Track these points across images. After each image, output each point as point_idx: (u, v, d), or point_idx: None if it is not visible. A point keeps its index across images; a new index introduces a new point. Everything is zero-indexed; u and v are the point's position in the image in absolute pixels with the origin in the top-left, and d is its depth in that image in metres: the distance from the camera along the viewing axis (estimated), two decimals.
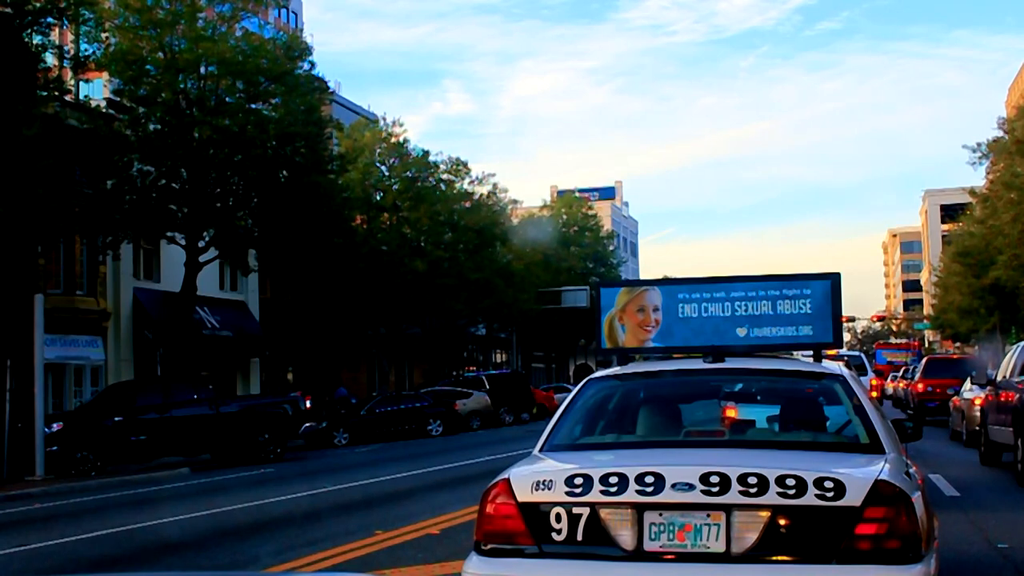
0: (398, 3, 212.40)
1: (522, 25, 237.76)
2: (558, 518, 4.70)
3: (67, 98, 27.63)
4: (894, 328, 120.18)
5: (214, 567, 9.57)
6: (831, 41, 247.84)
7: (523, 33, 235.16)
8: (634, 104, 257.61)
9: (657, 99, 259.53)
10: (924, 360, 34.50)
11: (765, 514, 4.50)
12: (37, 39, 24.33)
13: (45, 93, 25.03)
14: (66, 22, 25.99)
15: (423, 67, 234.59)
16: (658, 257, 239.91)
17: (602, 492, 4.65)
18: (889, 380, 47.97)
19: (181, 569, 9.85)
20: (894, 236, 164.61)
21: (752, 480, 4.54)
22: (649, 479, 4.62)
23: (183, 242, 31.17)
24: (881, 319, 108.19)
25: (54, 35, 26.51)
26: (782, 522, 4.50)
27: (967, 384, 20.84)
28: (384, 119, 49.26)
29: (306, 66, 33.14)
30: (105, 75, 31.63)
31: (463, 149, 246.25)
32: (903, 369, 47.40)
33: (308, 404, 28.48)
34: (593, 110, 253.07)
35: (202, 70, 30.44)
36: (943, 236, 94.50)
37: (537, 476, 4.88)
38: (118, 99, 30.45)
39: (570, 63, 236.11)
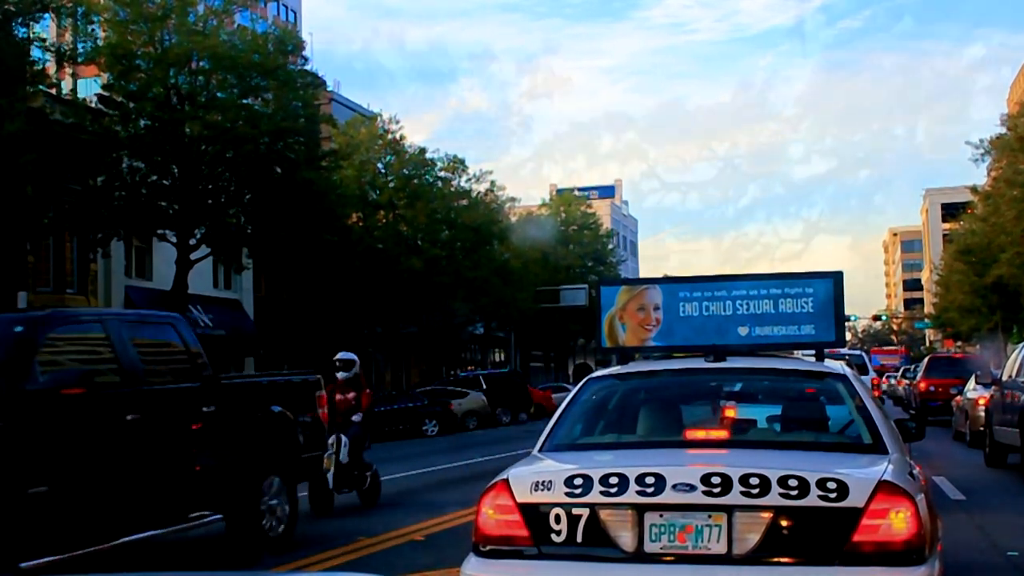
0: (421, 1, 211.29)
1: (543, 23, 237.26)
2: (557, 519, 4.65)
3: (53, 92, 27.18)
4: (895, 327, 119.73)
5: None
6: (851, 39, 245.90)
7: (543, 31, 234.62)
8: (647, 102, 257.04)
9: (671, 97, 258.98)
10: (927, 359, 34.34)
11: (767, 515, 4.46)
12: (21, 32, 23.92)
13: (31, 88, 24.61)
14: (51, 16, 25.55)
15: (442, 65, 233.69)
16: (660, 255, 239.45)
17: (602, 493, 4.61)
18: (884, 379, 49.05)
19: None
20: (895, 235, 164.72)
21: (754, 481, 4.49)
22: (650, 480, 4.59)
23: (174, 239, 30.75)
24: (876, 319, 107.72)
25: (51, 32, 26.10)
26: (784, 523, 4.46)
27: (971, 383, 20.47)
28: (381, 116, 48.88)
29: (300, 62, 32.75)
30: (102, 73, 31.22)
31: (475, 148, 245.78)
32: (895, 371, 48.26)
33: None
34: (606, 109, 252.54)
35: (193, 64, 30.04)
36: (944, 235, 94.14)
37: (536, 476, 4.85)
38: (108, 94, 30.02)
39: (587, 62, 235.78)
